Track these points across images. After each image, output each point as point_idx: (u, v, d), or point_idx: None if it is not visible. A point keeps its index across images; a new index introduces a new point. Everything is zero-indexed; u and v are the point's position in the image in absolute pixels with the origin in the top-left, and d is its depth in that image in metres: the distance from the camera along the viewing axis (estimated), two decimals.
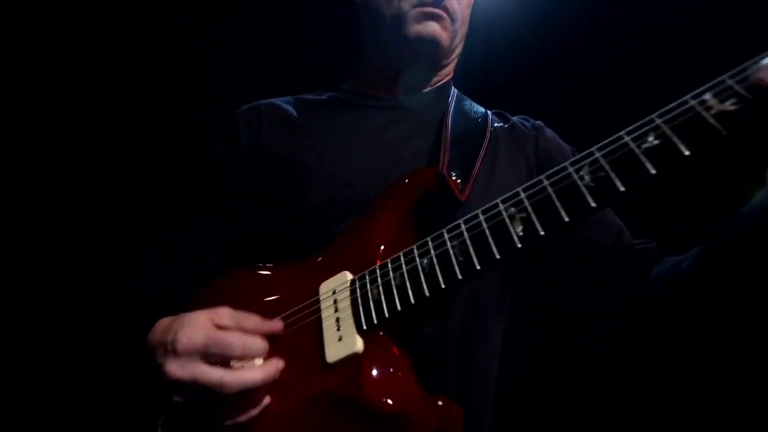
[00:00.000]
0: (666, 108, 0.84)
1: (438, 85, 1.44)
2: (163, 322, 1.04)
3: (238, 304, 1.13)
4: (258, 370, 0.96)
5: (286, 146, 1.29)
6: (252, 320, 1.03)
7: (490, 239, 0.89)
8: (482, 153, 1.22)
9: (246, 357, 0.98)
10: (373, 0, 1.37)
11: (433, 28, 1.32)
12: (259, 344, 0.99)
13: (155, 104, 2.69)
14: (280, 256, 1.19)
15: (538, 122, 1.48)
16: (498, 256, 0.87)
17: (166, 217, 1.39)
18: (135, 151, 2.72)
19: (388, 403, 0.88)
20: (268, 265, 1.20)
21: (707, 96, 0.80)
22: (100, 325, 2.41)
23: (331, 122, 1.35)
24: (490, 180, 1.25)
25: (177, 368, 0.94)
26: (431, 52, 1.37)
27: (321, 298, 1.05)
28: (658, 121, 0.82)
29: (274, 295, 1.13)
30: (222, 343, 0.96)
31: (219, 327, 0.99)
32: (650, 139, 0.82)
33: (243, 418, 0.97)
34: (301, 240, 1.19)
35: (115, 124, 2.74)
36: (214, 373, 0.93)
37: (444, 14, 1.32)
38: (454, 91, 1.46)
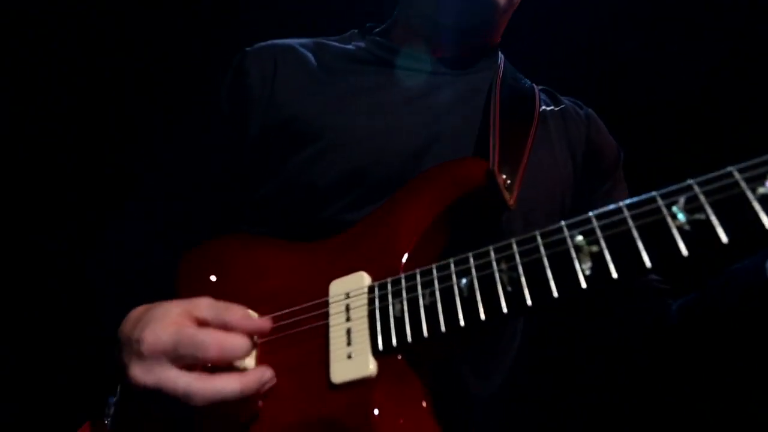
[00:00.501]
0: None
1: (486, 49, 1.24)
2: (136, 312, 0.86)
3: (227, 283, 0.98)
4: (235, 378, 0.79)
5: (305, 104, 1.10)
6: (236, 313, 0.84)
7: (549, 272, 0.73)
8: (530, 142, 1.04)
9: (224, 359, 0.81)
10: None
11: None
12: (241, 344, 0.81)
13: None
14: (283, 236, 1.03)
15: (590, 110, 1.30)
16: (556, 295, 0.72)
17: (150, 170, 1.19)
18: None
19: None
20: (271, 240, 1.03)
21: None
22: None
23: (360, 80, 1.15)
24: (535, 176, 1.08)
25: (141, 372, 0.78)
26: (485, 15, 1.17)
27: (330, 301, 0.89)
28: None
29: (275, 280, 0.97)
30: (193, 342, 0.78)
31: (198, 322, 0.83)
32: None
33: (221, 424, 0.82)
34: (311, 220, 1.02)
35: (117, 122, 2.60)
36: (180, 380, 0.77)
37: None
38: (501, 59, 1.26)
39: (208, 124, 1.16)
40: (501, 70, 1.21)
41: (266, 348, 0.89)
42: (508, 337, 1.11)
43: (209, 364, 0.80)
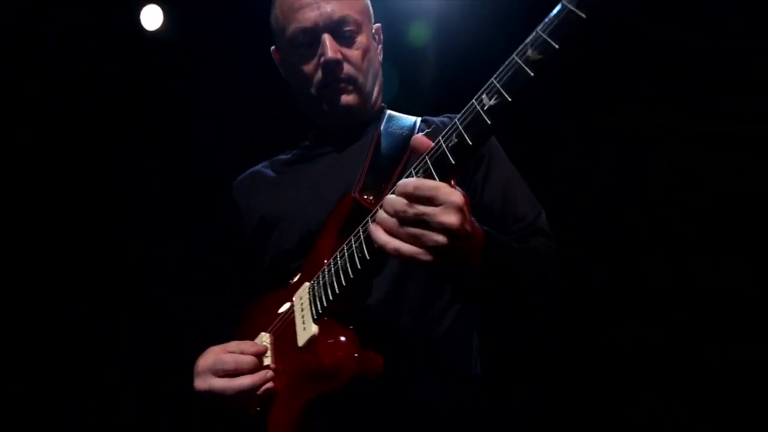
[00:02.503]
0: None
1: (368, 118, 1.79)
2: (202, 357, 1.54)
3: (257, 321, 1.59)
4: (247, 377, 1.43)
5: (266, 206, 1.74)
6: (246, 345, 1.51)
7: (364, 244, 1.25)
8: (400, 167, 1.56)
9: (239, 369, 1.45)
10: (294, 83, 1.78)
11: (343, 101, 1.67)
12: (247, 360, 1.45)
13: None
14: (278, 283, 1.63)
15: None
16: (375, 246, 1.22)
17: (193, 275, 1.92)
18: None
19: (328, 363, 1.28)
20: (271, 291, 1.65)
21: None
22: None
23: (291, 176, 1.79)
24: None
25: (198, 382, 1.48)
26: (351, 116, 1.73)
27: (294, 304, 1.48)
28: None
29: (275, 308, 1.58)
30: (221, 362, 1.46)
31: (228, 351, 1.49)
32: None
33: (251, 405, 1.44)
34: (282, 269, 1.64)
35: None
36: (217, 383, 1.44)
37: (345, 84, 1.66)
38: (385, 113, 1.80)
39: (223, 233, 1.87)
40: (382, 123, 1.74)
41: (275, 344, 1.51)
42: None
43: (232, 372, 1.46)
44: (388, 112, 1.83)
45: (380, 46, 1.85)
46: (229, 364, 1.44)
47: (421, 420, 1.45)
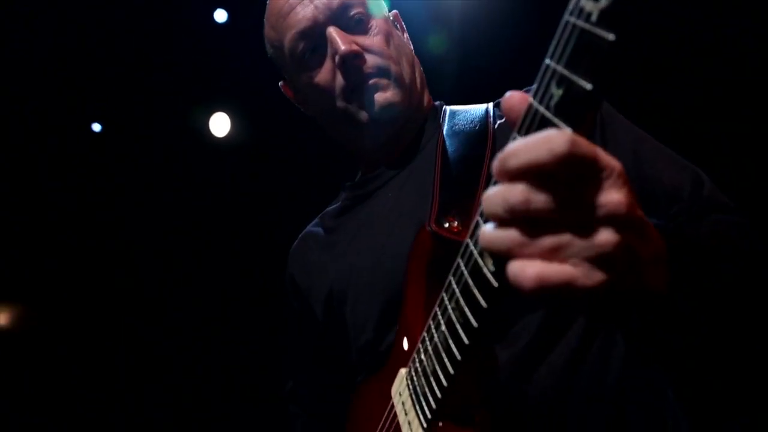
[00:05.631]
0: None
1: (421, 126, 1.33)
2: None
3: (363, 420, 1.17)
4: None
5: (326, 276, 1.31)
6: None
7: (473, 287, 0.76)
8: (484, 169, 1.07)
9: None
10: (316, 108, 1.35)
11: (380, 100, 1.21)
12: None
13: None
14: (372, 372, 1.18)
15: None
16: (485, 305, 0.74)
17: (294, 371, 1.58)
18: None
19: None
20: (366, 386, 1.20)
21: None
22: None
23: (346, 228, 1.34)
24: None
25: None
26: (395, 117, 1.26)
27: (394, 403, 1.01)
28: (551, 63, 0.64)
29: (377, 407, 1.12)
30: None
31: None
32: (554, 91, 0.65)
33: None
34: (369, 353, 1.20)
35: None
36: None
37: (376, 79, 1.22)
38: (444, 111, 1.33)
39: (297, 325, 1.46)
40: (444, 123, 1.28)
41: None
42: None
43: None
44: (448, 108, 1.35)
45: (406, 34, 1.40)
46: None
47: None
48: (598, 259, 0.56)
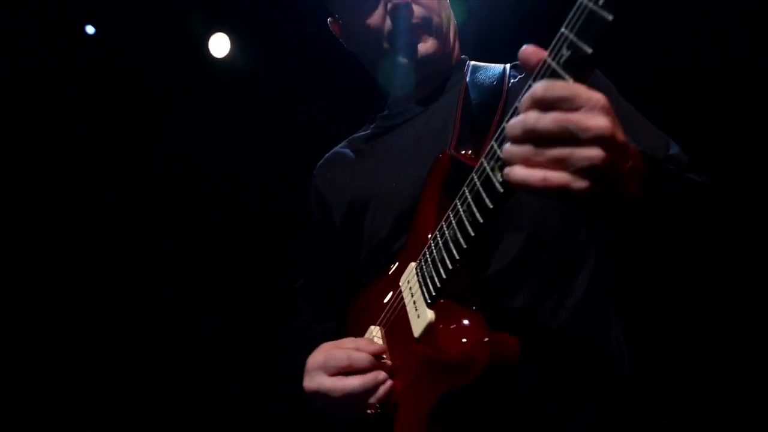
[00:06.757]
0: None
1: (448, 72, 1.57)
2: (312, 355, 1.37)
3: (364, 316, 1.42)
4: (358, 378, 1.24)
5: (351, 188, 1.56)
6: (362, 342, 1.32)
7: (483, 192, 1.02)
8: (497, 116, 1.33)
9: (353, 367, 1.26)
10: (360, 46, 1.59)
11: (421, 50, 1.46)
12: (362, 357, 1.26)
13: None
14: (380, 271, 1.45)
15: None
16: (491, 206, 1.00)
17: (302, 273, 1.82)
18: None
19: (453, 354, 1.06)
20: (374, 281, 1.46)
21: None
22: None
23: (374, 151, 1.60)
24: None
25: (307, 381, 1.31)
26: (431, 66, 1.51)
27: (402, 290, 1.28)
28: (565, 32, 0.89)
29: (382, 298, 1.39)
30: (333, 358, 1.28)
31: (341, 348, 1.31)
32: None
33: (367, 407, 1.25)
34: (382, 254, 1.46)
35: None
36: (327, 381, 1.26)
37: (421, 30, 1.45)
38: (468, 65, 1.57)
39: (316, 232, 1.72)
40: (467, 74, 1.52)
41: (386, 337, 1.33)
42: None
43: (345, 370, 1.26)
44: (471, 62, 1.60)
45: None
46: (342, 360, 1.26)
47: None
48: (587, 169, 0.81)
